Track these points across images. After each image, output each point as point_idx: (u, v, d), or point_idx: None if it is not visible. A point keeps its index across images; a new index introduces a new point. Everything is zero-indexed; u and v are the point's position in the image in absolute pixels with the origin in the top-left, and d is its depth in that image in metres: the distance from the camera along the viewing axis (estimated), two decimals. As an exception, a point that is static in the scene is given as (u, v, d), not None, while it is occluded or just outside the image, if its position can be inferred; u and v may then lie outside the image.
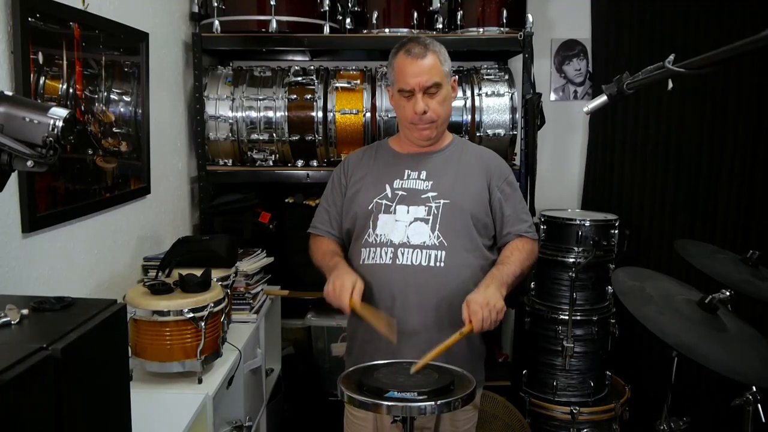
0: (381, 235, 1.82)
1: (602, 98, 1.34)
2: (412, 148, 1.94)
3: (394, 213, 1.83)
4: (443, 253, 1.77)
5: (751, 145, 3.13)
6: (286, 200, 2.88)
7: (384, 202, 1.85)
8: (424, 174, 1.87)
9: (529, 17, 2.72)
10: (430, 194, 1.84)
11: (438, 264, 1.77)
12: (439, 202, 1.82)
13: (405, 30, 2.75)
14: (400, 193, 1.85)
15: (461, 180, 1.87)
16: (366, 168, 1.95)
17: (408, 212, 1.82)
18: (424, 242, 1.79)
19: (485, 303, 1.62)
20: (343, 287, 1.68)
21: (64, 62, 1.72)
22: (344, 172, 1.98)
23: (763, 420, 1.73)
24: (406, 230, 1.80)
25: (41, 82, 1.62)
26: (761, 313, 2.82)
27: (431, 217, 1.81)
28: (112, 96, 2.01)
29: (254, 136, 2.76)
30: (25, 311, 1.03)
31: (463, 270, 1.79)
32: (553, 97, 3.36)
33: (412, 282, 1.76)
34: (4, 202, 1.49)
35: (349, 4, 2.82)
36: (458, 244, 1.80)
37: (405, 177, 1.88)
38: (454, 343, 1.60)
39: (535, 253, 1.91)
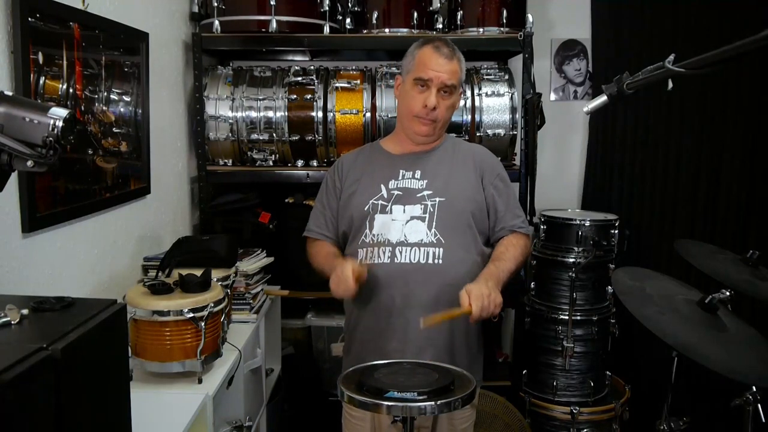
0: (378, 234, 1.82)
1: (602, 98, 1.34)
2: (406, 148, 1.94)
3: (391, 213, 1.83)
4: (441, 250, 1.78)
5: (751, 144, 3.13)
6: (286, 200, 2.88)
7: (380, 202, 1.85)
8: (418, 173, 1.88)
9: (529, 17, 2.71)
10: (425, 193, 1.84)
11: (436, 261, 1.77)
12: (435, 200, 1.82)
13: (405, 30, 2.75)
14: (395, 193, 1.86)
15: (455, 178, 1.88)
16: (361, 170, 1.95)
17: (404, 211, 1.83)
18: (422, 240, 1.79)
19: (487, 293, 1.62)
20: (344, 272, 1.68)
21: (64, 62, 1.72)
22: (338, 175, 1.98)
23: (763, 420, 1.73)
24: (403, 229, 1.80)
25: (41, 82, 1.62)
26: (761, 313, 2.81)
27: (427, 215, 1.81)
28: (112, 96, 2.01)
29: (254, 136, 2.76)
30: (25, 311, 1.03)
31: (461, 266, 1.79)
32: (553, 97, 3.36)
33: (411, 280, 1.77)
34: (4, 202, 1.49)
35: (349, 4, 2.82)
36: (455, 241, 1.80)
37: (400, 177, 1.88)
38: (454, 317, 1.64)
39: (528, 248, 1.92)
